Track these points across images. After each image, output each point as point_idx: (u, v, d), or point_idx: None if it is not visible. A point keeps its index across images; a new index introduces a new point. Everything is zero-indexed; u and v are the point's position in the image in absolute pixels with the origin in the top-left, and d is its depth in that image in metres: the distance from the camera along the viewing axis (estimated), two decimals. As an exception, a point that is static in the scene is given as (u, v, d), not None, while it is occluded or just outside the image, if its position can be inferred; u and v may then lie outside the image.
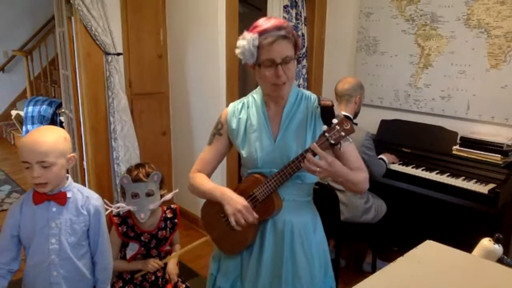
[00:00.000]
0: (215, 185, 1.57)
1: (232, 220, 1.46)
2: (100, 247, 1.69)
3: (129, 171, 2.04)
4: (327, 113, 1.44)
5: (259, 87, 1.60)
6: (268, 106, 1.56)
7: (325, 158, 1.37)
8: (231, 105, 1.62)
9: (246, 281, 1.57)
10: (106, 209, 1.90)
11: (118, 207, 1.98)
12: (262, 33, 1.41)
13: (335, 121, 1.37)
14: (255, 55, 1.42)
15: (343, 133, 1.37)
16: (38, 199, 1.56)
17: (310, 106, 1.53)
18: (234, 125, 1.57)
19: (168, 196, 2.08)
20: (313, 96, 1.56)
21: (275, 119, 1.54)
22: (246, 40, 1.41)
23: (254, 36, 1.40)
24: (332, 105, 1.48)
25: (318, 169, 1.37)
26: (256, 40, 1.40)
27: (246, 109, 1.59)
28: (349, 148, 1.51)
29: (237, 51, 1.45)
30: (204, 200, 1.66)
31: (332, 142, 1.37)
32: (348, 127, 1.37)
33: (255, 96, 1.60)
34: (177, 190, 2.18)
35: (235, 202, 1.47)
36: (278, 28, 1.41)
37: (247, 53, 1.42)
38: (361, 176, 1.53)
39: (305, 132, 1.51)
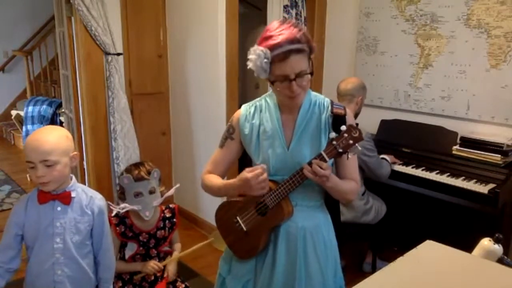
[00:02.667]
0: (222, 181, 1.57)
1: (258, 193, 1.44)
2: (103, 247, 1.71)
3: (128, 170, 2.03)
4: (338, 121, 1.43)
5: (271, 91, 1.57)
6: (282, 111, 1.53)
7: (328, 168, 1.38)
8: (243, 108, 1.59)
9: (258, 286, 1.57)
10: (111, 211, 1.90)
11: (123, 208, 1.98)
12: (273, 48, 1.34)
13: (343, 127, 1.36)
14: (268, 71, 1.37)
15: (351, 141, 1.35)
16: (43, 198, 1.58)
17: (323, 113, 1.51)
18: (247, 130, 1.55)
19: (171, 192, 2.09)
20: (327, 102, 1.53)
21: (288, 125, 1.52)
22: (257, 55, 1.35)
23: (265, 51, 1.34)
24: (345, 114, 1.48)
25: (325, 178, 1.38)
26: (268, 55, 1.34)
27: (259, 113, 1.55)
28: (352, 157, 1.50)
29: (249, 64, 1.40)
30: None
31: (340, 150, 1.36)
32: (357, 134, 1.35)
33: (268, 100, 1.57)
34: (178, 185, 2.18)
35: (241, 184, 1.45)
36: (291, 41, 1.33)
37: (259, 69, 1.37)
38: (351, 186, 1.53)
39: (319, 140, 1.49)
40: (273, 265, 1.54)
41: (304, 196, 1.52)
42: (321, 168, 1.36)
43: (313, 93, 1.56)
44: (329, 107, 1.50)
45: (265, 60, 1.35)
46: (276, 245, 1.53)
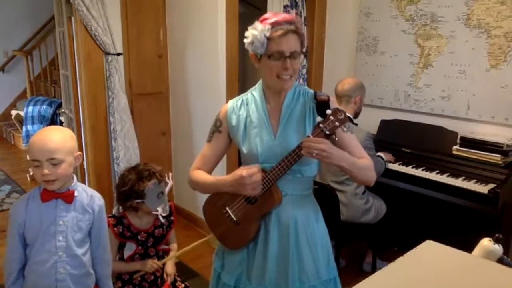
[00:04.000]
0: (214, 177, 1.58)
1: (250, 193, 1.46)
2: (102, 243, 1.73)
3: (144, 177, 2.02)
4: (323, 107, 1.46)
5: (258, 83, 1.60)
6: (267, 101, 1.57)
7: (322, 142, 1.37)
8: (230, 102, 1.63)
9: (252, 277, 1.58)
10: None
11: (161, 212, 2.03)
12: (274, 25, 1.43)
13: (329, 111, 1.39)
14: (265, 46, 1.44)
15: (337, 123, 1.38)
16: (46, 196, 1.59)
17: (307, 101, 1.55)
18: (234, 122, 1.58)
19: (170, 181, 2.13)
20: (311, 92, 1.57)
21: (274, 114, 1.55)
22: (258, 30, 1.43)
23: (267, 27, 1.42)
24: (328, 100, 1.50)
25: (316, 151, 1.35)
26: (268, 31, 1.42)
27: (246, 106, 1.59)
28: (349, 138, 1.52)
29: (247, 40, 1.46)
30: (205, 197, 1.67)
31: (327, 132, 1.38)
32: (342, 117, 1.38)
33: (254, 93, 1.60)
34: (171, 174, 2.19)
35: (235, 180, 1.46)
36: (289, 22, 1.44)
37: (257, 42, 1.43)
38: (366, 162, 1.52)
39: (304, 127, 1.52)
40: (265, 254, 1.55)
41: (293, 185, 1.54)
42: (324, 143, 1.36)
43: (297, 83, 1.61)
44: (313, 96, 1.55)
45: (265, 33, 1.42)
46: (268, 234, 1.55)
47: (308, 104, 1.54)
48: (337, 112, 1.38)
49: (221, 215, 1.60)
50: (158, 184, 2.03)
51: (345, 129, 1.43)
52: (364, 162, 1.52)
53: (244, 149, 1.55)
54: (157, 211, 2.02)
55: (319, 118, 1.41)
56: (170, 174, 2.18)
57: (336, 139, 1.43)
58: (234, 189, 1.49)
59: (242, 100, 1.61)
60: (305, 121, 1.53)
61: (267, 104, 1.56)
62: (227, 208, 1.58)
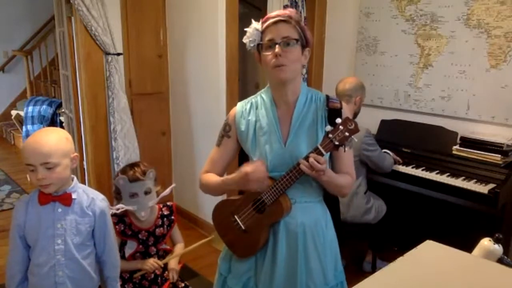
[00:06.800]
0: (221, 178, 1.59)
1: (256, 188, 1.46)
2: (108, 246, 1.71)
3: (123, 171, 2.03)
4: (334, 115, 1.43)
5: (267, 86, 1.58)
6: (278, 107, 1.54)
7: (323, 162, 1.39)
8: (239, 105, 1.60)
9: (260, 283, 1.56)
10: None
11: (118, 209, 1.98)
12: (266, 19, 1.48)
13: (338, 120, 1.36)
14: (258, 39, 1.48)
15: (347, 134, 1.35)
16: (44, 200, 1.57)
17: (320, 108, 1.52)
18: (243, 127, 1.55)
19: (167, 191, 2.09)
20: (323, 97, 1.54)
21: (285, 121, 1.52)
22: (252, 27, 1.49)
23: (259, 22, 1.49)
24: (341, 108, 1.48)
25: (322, 173, 1.38)
26: (260, 25, 1.48)
27: (255, 110, 1.56)
28: (347, 151, 1.51)
29: (245, 39, 1.52)
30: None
31: (337, 143, 1.36)
32: (353, 127, 1.35)
33: (264, 96, 1.58)
34: (174, 185, 2.18)
35: (241, 178, 1.46)
36: (282, 15, 1.47)
37: (251, 37, 1.49)
38: (347, 180, 1.53)
39: (316, 135, 1.49)
40: (274, 262, 1.54)
41: (303, 192, 1.52)
42: (318, 162, 1.37)
43: (308, 88, 1.58)
44: (325, 101, 1.52)
45: (257, 27, 1.48)
46: (276, 241, 1.53)
47: (320, 111, 1.51)
48: (347, 121, 1.35)
49: (230, 223, 1.58)
50: (130, 183, 1.97)
51: (356, 140, 1.42)
52: (345, 180, 1.53)
53: (254, 157, 1.53)
54: (131, 209, 1.99)
55: (328, 128, 1.38)
56: (173, 185, 2.16)
57: (345, 149, 1.41)
58: (241, 186, 1.49)
59: (251, 104, 1.58)
60: (317, 129, 1.50)
61: (277, 110, 1.54)
62: (235, 217, 1.57)
